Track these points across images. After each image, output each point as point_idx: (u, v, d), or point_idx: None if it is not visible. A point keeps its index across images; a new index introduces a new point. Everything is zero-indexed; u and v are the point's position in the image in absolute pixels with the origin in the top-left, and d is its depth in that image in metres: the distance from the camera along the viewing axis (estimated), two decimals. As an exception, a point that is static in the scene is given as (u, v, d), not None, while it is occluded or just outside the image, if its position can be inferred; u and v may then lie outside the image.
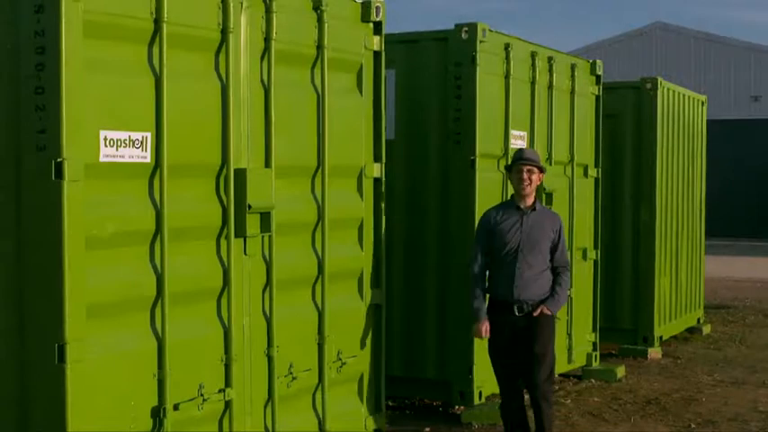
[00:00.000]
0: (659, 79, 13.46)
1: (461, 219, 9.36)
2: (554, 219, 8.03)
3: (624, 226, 13.60)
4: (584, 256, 11.56)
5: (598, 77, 11.70)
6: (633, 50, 37.87)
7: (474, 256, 7.93)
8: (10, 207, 5.33)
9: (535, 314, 7.74)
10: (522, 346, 7.79)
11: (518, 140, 9.91)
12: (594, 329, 11.82)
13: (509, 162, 9.76)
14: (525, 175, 7.75)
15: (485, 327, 7.75)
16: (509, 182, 8.29)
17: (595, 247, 11.81)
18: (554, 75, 10.54)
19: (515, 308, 7.74)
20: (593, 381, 11.66)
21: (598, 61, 11.81)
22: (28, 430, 5.34)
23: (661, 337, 13.78)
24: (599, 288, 11.93)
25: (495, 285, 7.88)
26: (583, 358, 11.58)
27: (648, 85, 13.40)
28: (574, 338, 11.17)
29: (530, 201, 7.86)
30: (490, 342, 7.95)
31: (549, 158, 10.52)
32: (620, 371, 11.99)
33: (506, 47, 9.71)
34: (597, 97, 11.75)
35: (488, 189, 9.47)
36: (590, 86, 11.56)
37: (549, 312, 7.80)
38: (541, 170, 7.90)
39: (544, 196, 10.29)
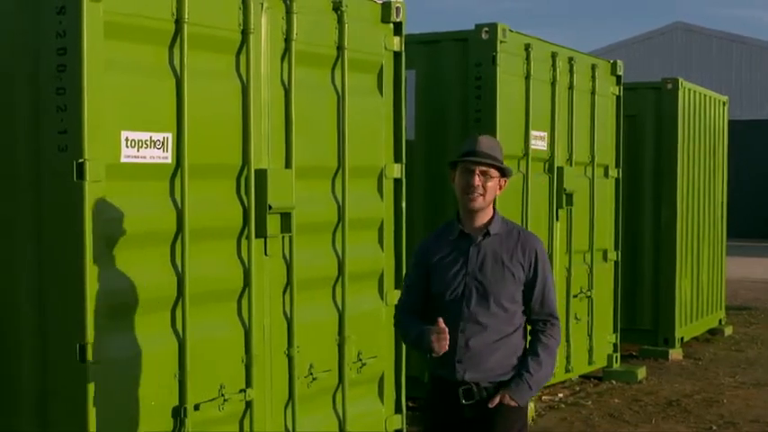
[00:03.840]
0: (680, 80, 13.41)
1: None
2: (525, 245, 5.12)
3: (645, 227, 13.55)
4: (605, 258, 11.51)
5: (618, 78, 11.65)
6: (654, 51, 37.71)
7: (398, 310, 5.31)
8: (32, 208, 5.36)
9: (491, 405, 5.00)
10: None
11: (538, 141, 9.89)
12: (615, 330, 11.77)
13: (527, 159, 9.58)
14: (476, 180, 4.99)
15: (435, 335, 4.86)
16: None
17: (616, 248, 11.76)
18: (574, 75, 10.50)
19: (460, 393, 5.02)
20: (613, 382, 11.62)
21: (619, 61, 11.76)
22: (49, 429, 5.36)
23: (682, 339, 13.72)
24: (619, 289, 11.89)
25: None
26: (603, 359, 11.54)
27: (669, 86, 13.35)
28: (594, 340, 11.12)
29: (481, 220, 5.09)
30: None
31: (570, 159, 10.49)
32: (641, 372, 11.95)
33: (527, 47, 9.68)
34: (618, 97, 11.70)
35: (508, 190, 9.36)
36: (610, 87, 11.52)
37: (513, 403, 5.01)
38: (504, 173, 5.09)
39: (564, 197, 10.25)
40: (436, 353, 4.89)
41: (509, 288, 5.07)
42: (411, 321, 5.15)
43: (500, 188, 5.14)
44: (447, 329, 4.86)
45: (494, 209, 5.18)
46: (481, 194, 5.04)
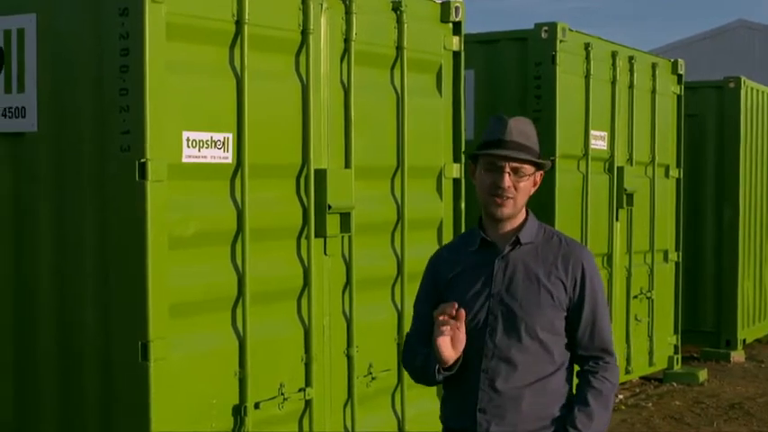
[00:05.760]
0: (742, 78, 13.27)
1: (541, 220, 9.27)
2: (569, 257, 3.97)
3: (706, 227, 13.42)
4: (666, 258, 11.42)
5: (680, 77, 11.57)
6: (716, 49, 37.28)
7: (408, 338, 4.26)
8: (94, 207, 5.42)
9: None
10: None
11: (598, 141, 9.83)
12: (676, 332, 11.67)
13: (583, 156, 9.52)
14: (506, 181, 3.88)
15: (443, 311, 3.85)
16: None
17: (677, 249, 11.66)
18: (635, 74, 10.43)
19: None
20: (674, 384, 11.53)
21: (680, 60, 11.66)
22: (112, 427, 5.42)
23: (744, 340, 13.57)
24: (680, 290, 11.77)
25: (446, 400, 4.10)
26: (664, 361, 11.44)
27: (732, 84, 13.22)
28: (655, 341, 11.03)
29: (510, 225, 3.98)
30: None
31: (630, 159, 10.41)
32: (703, 374, 11.84)
33: (586, 46, 9.63)
34: (679, 97, 11.60)
35: (568, 190, 9.40)
36: (671, 86, 11.43)
37: None
38: (538, 167, 3.96)
39: (625, 197, 10.17)
40: (440, 357, 3.83)
41: (546, 314, 3.89)
42: (417, 354, 4.06)
43: (535, 185, 3.99)
44: (462, 313, 3.82)
45: (526, 210, 4.02)
46: (511, 198, 3.89)
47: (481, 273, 3.96)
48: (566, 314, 3.93)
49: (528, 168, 3.90)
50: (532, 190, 4.00)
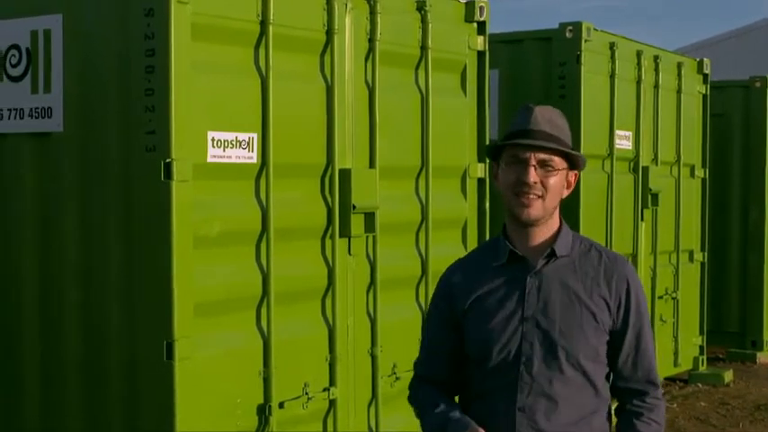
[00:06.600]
0: (769, 78, 13.20)
1: (565, 220, 9.25)
2: (612, 272, 3.44)
3: (732, 227, 13.35)
4: (691, 258, 11.37)
5: (705, 76, 11.52)
6: (742, 48, 37.08)
7: (417, 368, 3.80)
8: (119, 207, 5.44)
9: None
10: None
11: (623, 140, 9.80)
12: (701, 333, 11.62)
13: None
14: (531, 175, 3.35)
15: None
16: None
17: (702, 249, 11.62)
18: (660, 74, 10.39)
19: None
20: (699, 385, 11.48)
21: (705, 60, 11.61)
22: (137, 426, 5.44)
23: (770, 341, 13.50)
24: (706, 290, 11.72)
25: None
26: (689, 362, 11.39)
27: (758, 84, 13.15)
28: (680, 342, 10.99)
29: (542, 236, 3.47)
30: None
31: (656, 159, 10.37)
32: (728, 375, 11.78)
33: (611, 46, 9.61)
34: (704, 96, 11.56)
35: (593, 190, 9.37)
36: (697, 85, 11.38)
37: None
38: (574, 163, 3.45)
39: (650, 197, 10.13)
40: None
41: (590, 339, 3.36)
42: (430, 397, 3.61)
43: (569, 186, 3.46)
44: None
45: (560, 219, 3.53)
46: (539, 196, 3.36)
47: (511, 293, 3.41)
48: (604, 338, 3.40)
49: (558, 161, 3.36)
50: (565, 192, 3.45)
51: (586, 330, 3.35)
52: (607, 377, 3.46)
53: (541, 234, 3.44)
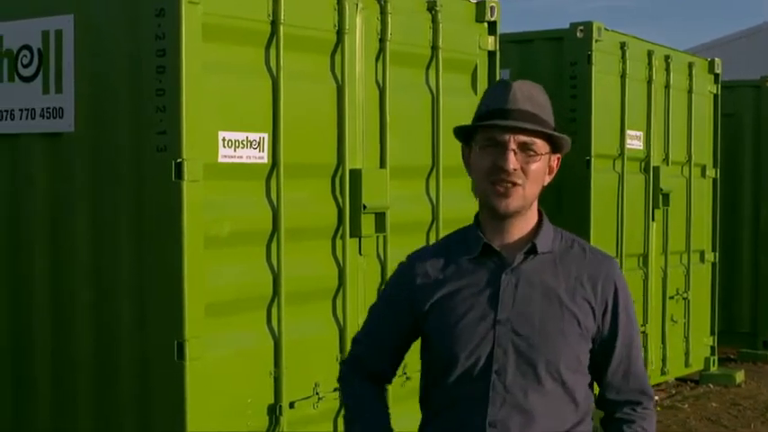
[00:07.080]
0: (780, 77, 13.17)
1: (576, 220, 9.26)
2: (598, 272, 3.05)
3: (743, 227, 13.32)
4: (702, 259, 11.34)
5: (716, 76, 11.48)
6: (752, 48, 37.01)
7: (347, 362, 3.45)
8: (131, 207, 5.44)
9: None
10: None
11: (634, 140, 9.78)
12: (713, 333, 11.59)
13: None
14: (510, 160, 2.92)
15: None
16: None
17: (713, 249, 11.58)
18: (671, 73, 10.37)
19: None
20: (710, 386, 11.44)
21: (716, 59, 11.58)
22: (148, 426, 5.45)
23: (782, 342, 13.46)
24: (717, 290, 11.69)
25: None
26: (700, 362, 11.36)
27: (769, 84, 13.12)
28: (691, 342, 10.96)
29: (520, 230, 3.06)
30: None
31: (666, 158, 10.35)
32: (740, 376, 11.74)
33: (622, 46, 9.59)
34: (716, 96, 11.53)
35: (604, 190, 9.36)
36: (708, 85, 11.35)
37: None
38: (553, 144, 3.02)
39: (661, 197, 10.11)
40: None
41: (572, 345, 2.97)
42: (362, 396, 3.34)
43: (550, 172, 3.05)
44: None
45: (539, 211, 3.11)
46: (519, 184, 2.93)
47: (482, 291, 2.98)
48: (591, 346, 3.01)
49: (540, 145, 2.94)
50: (547, 179, 3.03)
51: (568, 336, 2.95)
52: (590, 388, 3.09)
53: (519, 227, 3.02)
